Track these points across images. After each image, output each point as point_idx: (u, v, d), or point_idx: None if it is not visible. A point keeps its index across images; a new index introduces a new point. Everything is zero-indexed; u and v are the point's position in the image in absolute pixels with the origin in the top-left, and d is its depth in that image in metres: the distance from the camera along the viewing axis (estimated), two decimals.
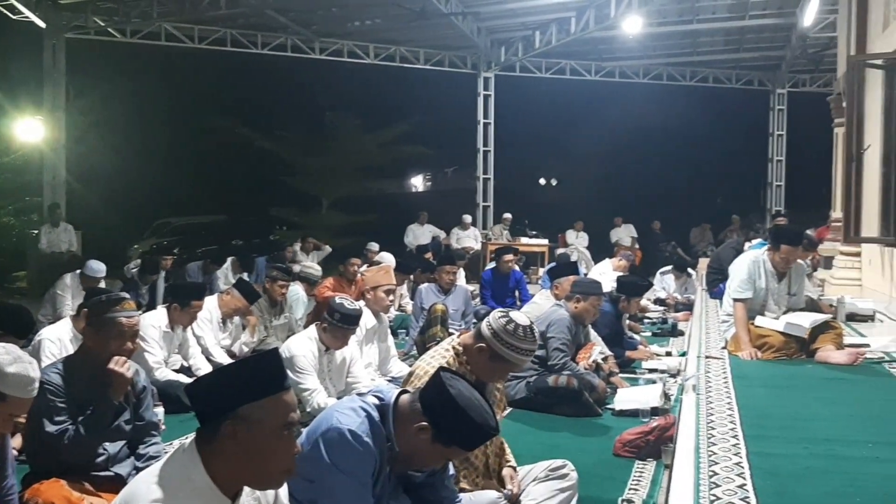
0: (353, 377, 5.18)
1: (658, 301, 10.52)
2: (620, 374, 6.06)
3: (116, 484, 3.27)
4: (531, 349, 3.10)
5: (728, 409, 4.45)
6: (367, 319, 5.67)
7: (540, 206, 24.52)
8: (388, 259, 10.39)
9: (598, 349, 5.94)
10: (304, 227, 19.52)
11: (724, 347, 6.34)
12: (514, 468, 3.29)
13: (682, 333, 8.42)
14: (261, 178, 23.39)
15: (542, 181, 31.81)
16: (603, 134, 24.63)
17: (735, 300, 6.19)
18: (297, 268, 9.39)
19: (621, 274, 8.65)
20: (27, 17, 14.10)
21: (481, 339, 3.05)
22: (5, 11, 14.17)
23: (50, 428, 3.32)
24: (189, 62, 19.73)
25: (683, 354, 6.97)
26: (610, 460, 4.24)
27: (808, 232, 10.75)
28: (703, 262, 12.58)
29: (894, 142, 8.37)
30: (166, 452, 3.17)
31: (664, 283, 11.05)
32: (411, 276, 9.26)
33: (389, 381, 5.63)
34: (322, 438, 2.36)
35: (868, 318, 8.00)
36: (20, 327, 4.29)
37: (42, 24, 14.24)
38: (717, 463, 3.48)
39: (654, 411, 5.01)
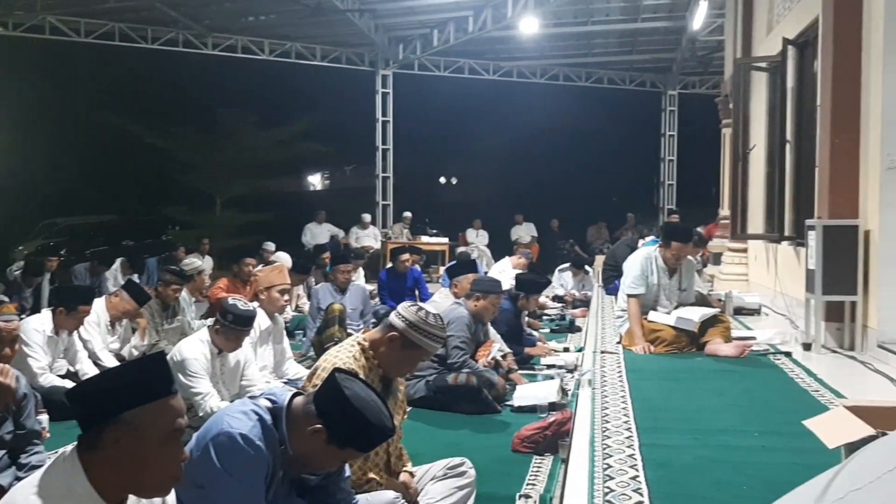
0: (247, 380, 5.04)
1: (556, 298, 10.66)
2: (519, 371, 6.08)
3: None
4: (442, 336, 3.21)
5: (622, 403, 4.55)
6: (262, 320, 5.52)
7: (440, 205, 24.65)
8: (284, 259, 10.22)
9: (497, 346, 5.96)
10: (198, 226, 18.94)
11: (618, 342, 6.50)
12: (412, 473, 3.27)
13: (579, 329, 8.55)
14: (153, 176, 22.62)
15: (443, 180, 31.95)
16: (502, 133, 24.91)
17: (629, 296, 6.35)
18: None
19: (520, 272, 8.72)
20: None
21: (392, 329, 3.10)
22: None
23: None
24: (75, 57, 18.96)
25: (580, 350, 7.08)
26: (508, 456, 4.26)
27: (698, 229, 11.15)
28: (600, 260, 12.82)
29: (778, 142, 8.74)
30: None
31: (562, 281, 11.21)
32: (312, 279, 9.12)
33: (286, 383, 5.48)
34: (212, 443, 2.27)
35: (754, 311, 8.35)
36: None
37: None
38: (611, 456, 3.53)
39: (552, 406, 5.05)
